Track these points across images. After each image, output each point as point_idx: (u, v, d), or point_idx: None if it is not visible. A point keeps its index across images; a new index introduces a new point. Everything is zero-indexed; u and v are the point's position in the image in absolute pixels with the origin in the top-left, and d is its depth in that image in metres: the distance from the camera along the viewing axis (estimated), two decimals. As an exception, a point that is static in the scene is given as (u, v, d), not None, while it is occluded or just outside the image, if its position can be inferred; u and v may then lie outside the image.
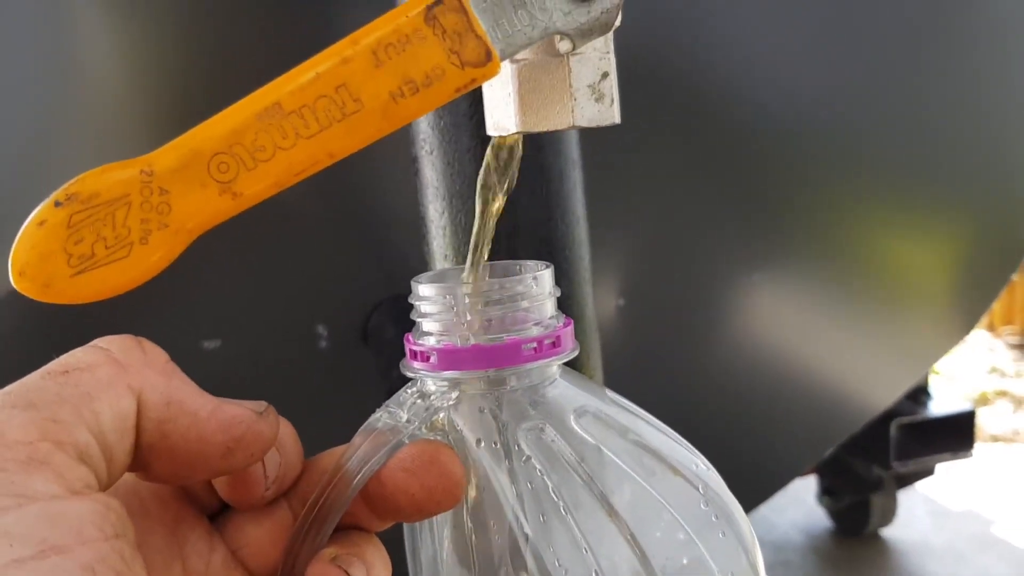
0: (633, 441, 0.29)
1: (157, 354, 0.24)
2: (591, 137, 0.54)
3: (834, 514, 2.11)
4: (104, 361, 0.23)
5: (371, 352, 0.81)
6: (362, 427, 0.27)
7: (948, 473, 2.26)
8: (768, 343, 1.03)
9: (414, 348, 0.29)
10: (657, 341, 0.95)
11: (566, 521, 0.27)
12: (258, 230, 0.75)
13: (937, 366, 3.24)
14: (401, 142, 0.51)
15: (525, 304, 0.29)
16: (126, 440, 0.22)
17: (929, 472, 1.88)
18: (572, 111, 0.30)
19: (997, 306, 3.57)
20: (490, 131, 0.32)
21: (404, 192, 0.54)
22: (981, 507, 2.19)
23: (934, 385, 1.84)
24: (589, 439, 0.29)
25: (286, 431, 0.26)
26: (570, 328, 0.30)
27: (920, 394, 1.75)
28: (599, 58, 0.30)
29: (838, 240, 1.02)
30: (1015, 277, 3.30)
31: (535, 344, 0.28)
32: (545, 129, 0.30)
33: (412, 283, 0.30)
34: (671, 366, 0.95)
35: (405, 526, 0.31)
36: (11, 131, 0.67)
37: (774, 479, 1.19)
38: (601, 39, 0.30)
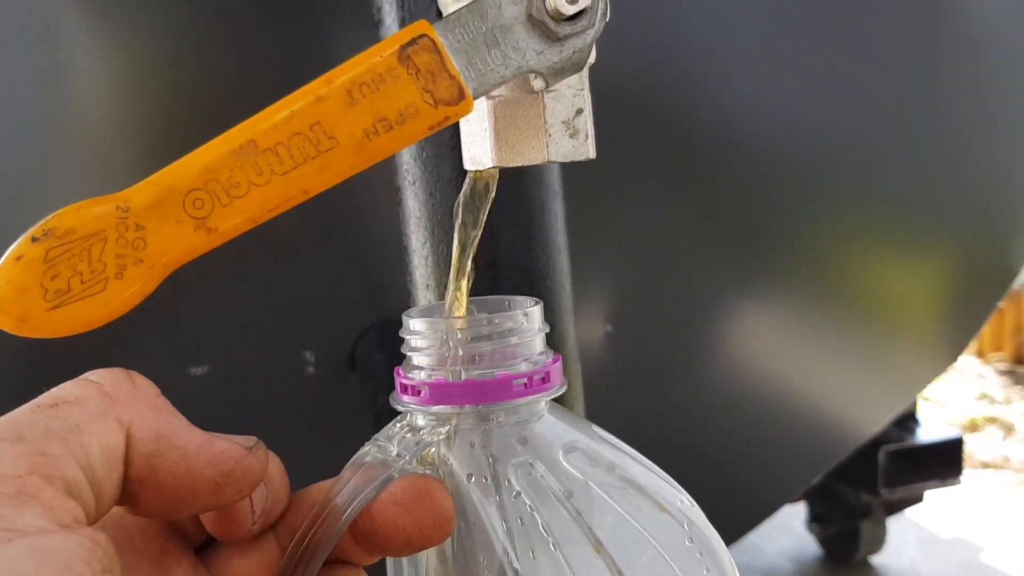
0: (620, 477, 0.30)
1: (147, 388, 0.24)
2: (575, 164, 0.54)
3: (823, 541, 2.10)
4: (94, 395, 0.23)
5: (358, 378, 0.81)
6: (351, 461, 0.28)
7: (937, 500, 2.26)
8: (755, 370, 1.03)
9: (404, 382, 0.29)
10: (645, 367, 0.95)
11: (555, 557, 0.28)
12: (245, 256, 0.76)
13: (926, 392, 3.25)
14: (386, 171, 0.51)
15: (515, 340, 0.29)
16: (115, 474, 0.23)
17: (918, 499, 1.88)
18: (547, 147, 0.30)
19: (986, 332, 3.59)
20: (467, 165, 0.32)
21: (390, 219, 0.55)
22: (970, 534, 2.18)
23: (922, 412, 1.85)
24: (577, 475, 0.29)
25: (274, 464, 0.26)
26: (559, 364, 0.30)
27: (908, 421, 1.76)
28: (574, 95, 0.31)
29: (825, 267, 1.02)
30: (1002, 304, 3.32)
31: (525, 380, 0.29)
32: (520, 164, 0.31)
33: (403, 317, 0.30)
34: (658, 392, 0.95)
35: (388, 565, 0.31)
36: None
37: (762, 506, 1.19)
38: (576, 76, 0.31)
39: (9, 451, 0.21)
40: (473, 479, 0.29)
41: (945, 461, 1.72)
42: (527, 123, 0.31)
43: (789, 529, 2.15)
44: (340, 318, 0.81)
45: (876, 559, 2.08)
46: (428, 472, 0.28)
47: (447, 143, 0.46)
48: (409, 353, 0.30)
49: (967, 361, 3.67)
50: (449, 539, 0.28)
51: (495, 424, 0.29)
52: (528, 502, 0.28)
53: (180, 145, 0.73)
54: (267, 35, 0.68)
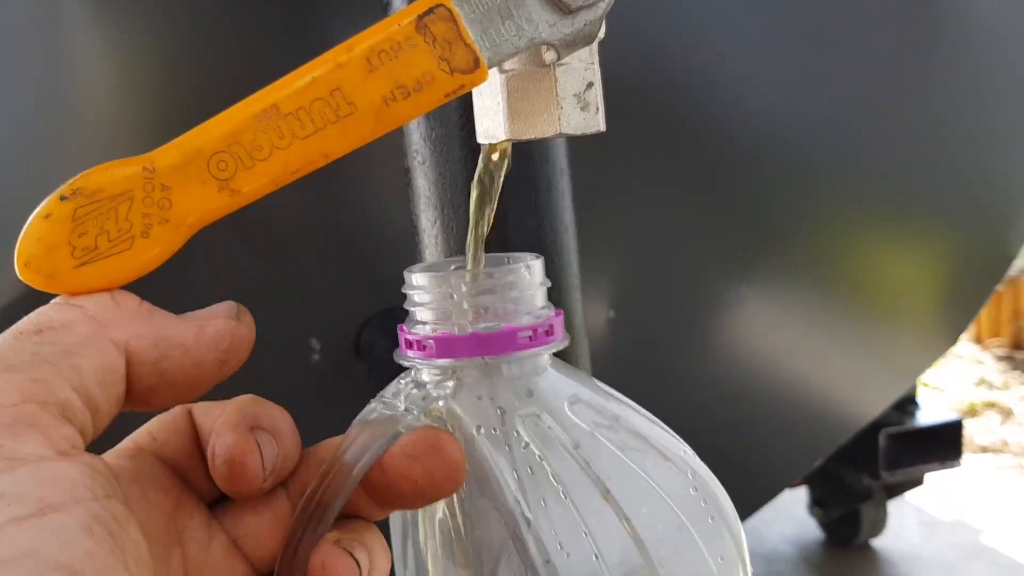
0: (624, 428, 0.30)
1: (129, 301, 0.25)
2: (581, 151, 0.55)
3: (825, 525, 2.11)
4: (80, 319, 0.23)
5: (363, 365, 0.82)
6: (357, 418, 0.28)
7: (937, 484, 2.27)
8: (757, 355, 1.04)
9: (409, 337, 0.30)
10: (647, 353, 0.96)
11: (565, 505, 0.28)
12: (252, 244, 0.76)
13: (926, 378, 3.26)
14: (394, 154, 0.52)
15: (519, 293, 0.29)
16: (111, 392, 0.23)
17: (918, 482, 1.89)
18: (559, 119, 0.31)
19: (984, 318, 3.59)
20: (480, 139, 0.33)
21: (397, 207, 0.55)
22: (970, 517, 2.19)
23: (922, 396, 1.85)
24: (583, 426, 0.30)
25: (284, 422, 0.26)
26: (561, 318, 0.31)
27: (908, 404, 1.77)
28: (584, 68, 0.31)
29: (825, 253, 1.03)
30: (1001, 288, 3.33)
31: (530, 332, 0.29)
32: (532, 136, 0.31)
33: (405, 273, 0.30)
34: (660, 377, 0.96)
35: (393, 526, 0.31)
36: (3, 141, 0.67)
37: (764, 491, 1.20)
38: (586, 50, 0.31)
39: (0, 380, 0.21)
40: (483, 430, 0.29)
41: (945, 444, 1.73)
42: (539, 96, 0.31)
43: (791, 514, 2.16)
44: (346, 306, 0.81)
45: (877, 542, 2.09)
46: (436, 426, 0.28)
47: (456, 123, 0.46)
48: (413, 309, 0.30)
49: (965, 347, 3.67)
50: (459, 492, 0.29)
51: (501, 377, 0.29)
52: (537, 452, 0.29)
53: (183, 131, 0.73)
54: (273, 25, 0.68)
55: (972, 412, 3.02)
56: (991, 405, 3.10)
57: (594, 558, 0.28)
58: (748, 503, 1.16)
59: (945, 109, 1.01)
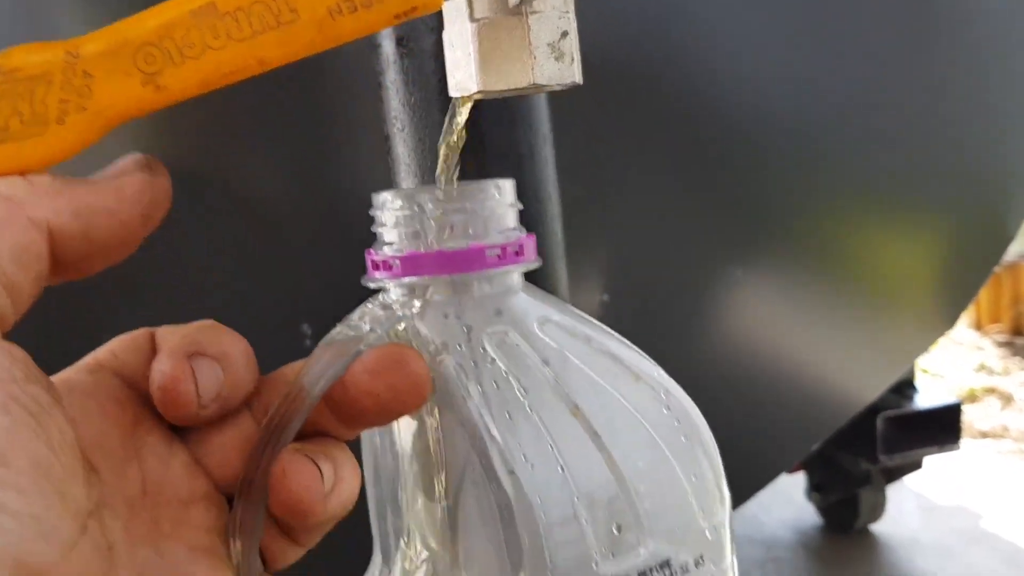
0: (596, 348, 0.30)
1: (42, 178, 0.24)
2: (572, 130, 0.54)
3: (823, 510, 2.11)
4: None
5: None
6: (322, 341, 0.27)
7: (937, 469, 2.27)
8: (751, 339, 1.03)
9: (375, 259, 0.29)
10: (641, 336, 0.95)
11: (531, 418, 0.28)
12: (241, 227, 0.75)
13: (925, 364, 3.26)
14: (378, 134, 0.51)
15: (488, 212, 0.29)
16: (31, 270, 0.23)
17: (916, 466, 1.89)
18: (532, 69, 0.30)
19: (984, 303, 3.60)
20: (452, 92, 0.32)
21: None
22: (970, 502, 2.19)
23: (921, 380, 1.85)
24: (553, 344, 0.29)
25: (235, 348, 0.26)
26: (533, 241, 0.30)
27: (906, 388, 1.76)
28: (558, 16, 0.31)
29: (820, 234, 1.02)
30: (1000, 271, 3.32)
31: (499, 250, 0.29)
32: (505, 87, 0.30)
33: (372, 196, 0.30)
34: (656, 361, 0.95)
35: (364, 447, 0.31)
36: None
37: (761, 475, 1.19)
38: (561, -1, 0.30)
39: None
40: (448, 347, 0.28)
41: (943, 427, 1.73)
42: (512, 46, 0.30)
43: (789, 499, 2.16)
44: (337, 290, 0.80)
45: (876, 527, 2.09)
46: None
47: (435, 87, 0.46)
48: (380, 230, 0.30)
49: (965, 333, 3.68)
50: (425, 412, 0.29)
51: (470, 296, 0.29)
52: (503, 367, 0.28)
53: (171, 131, 0.72)
54: None
55: (972, 398, 3.03)
56: (991, 391, 3.11)
57: (560, 470, 0.27)
58: (745, 488, 1.15)
59: (942, 91, 1.00)
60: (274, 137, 0.69)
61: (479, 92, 0.31)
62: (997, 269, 3.42)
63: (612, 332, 0.31)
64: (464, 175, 0.32)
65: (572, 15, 0.31)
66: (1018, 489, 2.30)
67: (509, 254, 0.29)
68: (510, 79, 0.30)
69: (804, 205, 0.99)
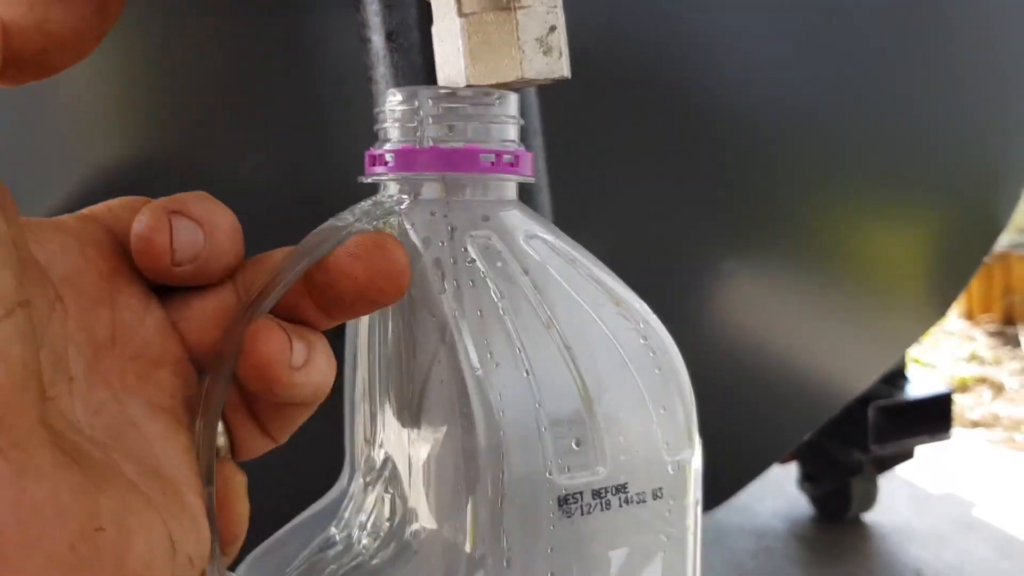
0: (580, 270, 0.30)
1: None
2: (562, 123, 0.54)
3: (815, 500, 2.12)
4: None
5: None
6: (312, 232, 0.28)
7: (929, 458, 2.28)
8: (744, 331, 1.03)
9: (372, 153, 0.30)
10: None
11: (503, 321, 0.28)
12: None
13: (917, 355, 3.27)
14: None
15: (487, 118, 0.29)
16: None
17: (908, 456, 1.90)
18: (520, 63, 0.30)
19: (975, 294, 3.61)
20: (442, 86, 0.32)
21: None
22: (962, 491, 2.21)
23: (912, 370, 1.86)
24: (536, 257, 0.29)
25: (222, 218, 0.26)
26: (531, 157, 0.30)
27: (898, 378, 1.77)
28: (546, 11, 0.31)
29: (812, 226, 1.02)
30: (990, 261, 3.32)
31: (493, 156, 0.29)
32: (494, 81, 0.31)
33: (382, 96, 0.30)
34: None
35: (347, 351, 0.31)
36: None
37: (753, 466, 1.20)
38: (549, -8, 0.30)
39: None
40: (430, 242, 0.29)
41: (935, 416, 1.74)
42: (500, 40, 0.30)
43: (781, 490, 2.17)
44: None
45: (869, 517, 2.10)
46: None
47: (424, 81, 0.46)
48: (381, 127, 0.30)
49: (957, 323, 3.69)
50: (401, 306, 0.29)
51: (460, 199, 0.29)
52: (482, 269, 0.29)
53: (162, 126, 0.72)
54: (249, 15, 0.67)
55: (963, 387, 3.04)
56: (982, 380, 3.12)
57: (525, 374, 0.27)
58: (737, 478, 1.16)
59: (934, 85, 1.01)
60: (265, 132, 0.69)
61: (468, 86, 0.31)
62: (988, 259, 3.44)
63: (603, 265, 0.31)
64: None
65: (560, 10, 0.31)
66: (1009, 477, 2.31)
67: (502, 163, 0.29)
68: (499, 73, 0.31)
69: (796, 197, 0.99)
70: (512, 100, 0.30)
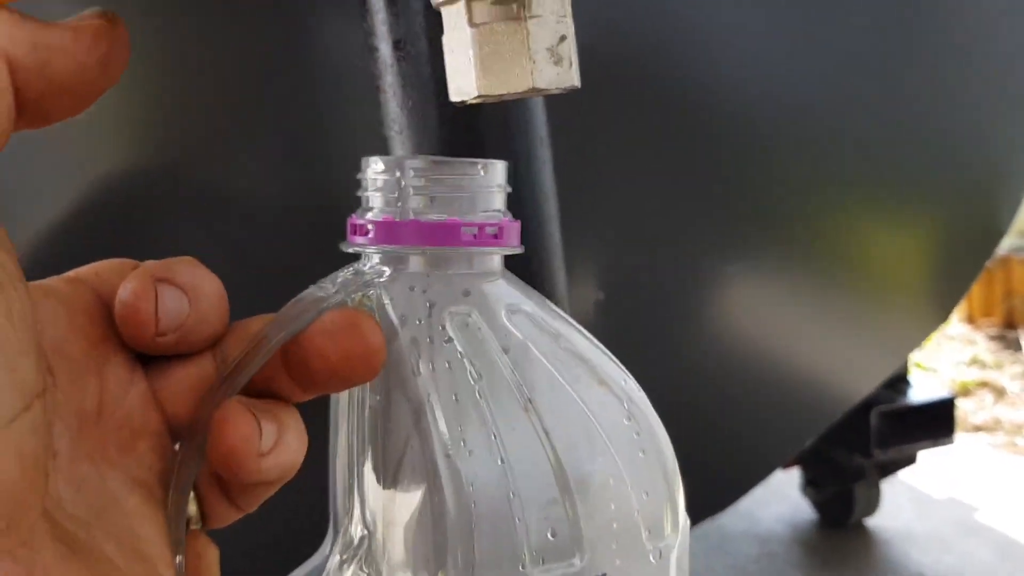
0: (563, 346, 0.29)
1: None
2: (565, 133, 0.54)
3: (818, 505, 2.12)
4: None
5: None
6: (292, 300, 0.27)
7: (931, 463, 2.28)
8: (745, 336, 1.03)
9: (354, 222, 0.29)
10: (636, 334, 0.95)
11: (479, 405, 0.27)
12: (240, 230, 0.76)
13: (919, 359, 3.27)
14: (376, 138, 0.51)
15: (471, 190, 0.29)
16: (2, 103, 0.22)
17: (911, 460, 1.90)
18: (531, 73, 0.30)
19: (976, 298, 3.61)
20: (453, 96, 0.32)
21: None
22: (965, 495, 2.21)
23: (914, 375, 1.86)
24: (517, 334, 0.29)
25: (208, 285, 0.26)
26: (517, 226, 0.30)
27: (900, 383, 1.77)
28: (556, 21, 0.31)
29: (814, 230, 1.03)
30: (991, 265, 3.32)
31: (476, 229, 0.28)
32: (505, 91, 0.31)
33: (362, 160, 0.30)
34: (651, 357, 0.96)
35: (331, 418, 0.31)
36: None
37: (756, 471, 1.20)
38: (558, 2, 0.31)
39: None
40: (407, 320, 0.28)
41: (937, 421, 1.74)
42: (511, 51, 0.30)
43: (785, 496, 2.17)
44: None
45: (871, 522, 2.10)
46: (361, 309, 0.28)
47: (432, 90, 0.46)
48: (363, 195, 0.29)
49: (958, 327, 3.69)
50: (376, 385, 0.28)
51: (442, 273, 0.29)
52: (460, 349, 0.28)
53: (169, 134, 0.72)
54: (249, 14, 0.68)
55: (965, 391, 3.04)
56: (984, 384, 3.12)
57: (499, 462, 0.27)
58: (739, 484, 1.16)
59: (933, 84, 1.01)
60: (273, 140, 0.69)
61: (479, 96, 0.31)
62: (989, 264, 3.43)
63: (589, 336, 0.30)
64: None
65: (570, 19, 0.31)
66: (1011, 481, 2.31)
67: (486, 235, 0.28)
68: (510, 84, 0.31)
69: (797, 203, 0.99)
70: (500, 168, 0.30)
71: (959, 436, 2.53)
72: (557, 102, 0.52)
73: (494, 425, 0.27)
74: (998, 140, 1.10)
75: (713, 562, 1.87)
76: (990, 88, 1.05)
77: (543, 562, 0.26)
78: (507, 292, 0.29)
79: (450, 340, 0.28)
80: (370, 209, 0.29)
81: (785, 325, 1.07)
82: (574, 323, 0.30)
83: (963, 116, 1.05)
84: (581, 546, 0.27)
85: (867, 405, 1.64)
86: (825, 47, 0.93)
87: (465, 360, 0.28)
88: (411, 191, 0.28)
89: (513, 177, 0.44)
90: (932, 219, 1.12)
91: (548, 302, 0.30)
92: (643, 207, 0.90)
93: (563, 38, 0.31)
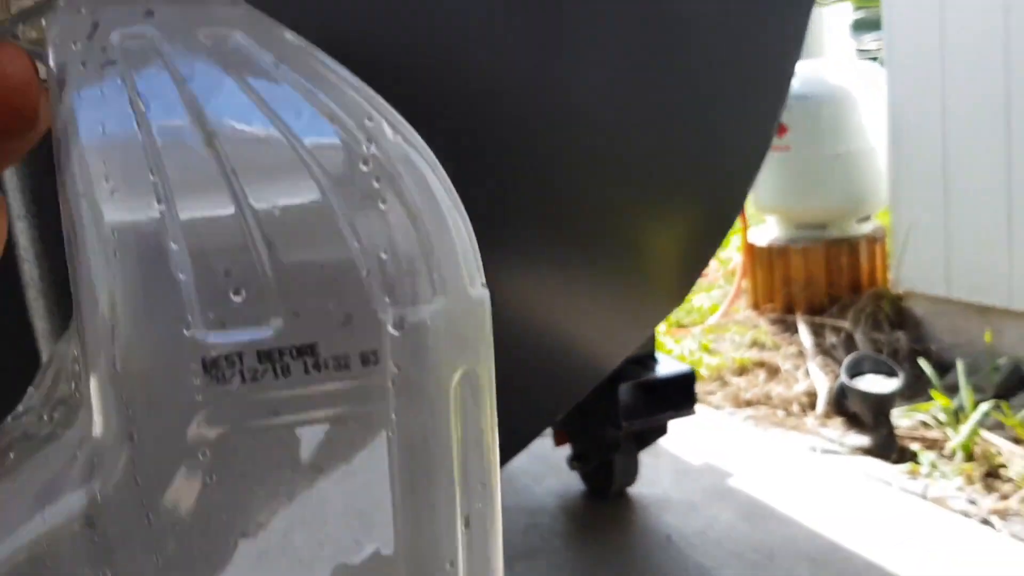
0: (283, 75, 0.23)
1: None
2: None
3: (584, 477, 2.25)
4: None
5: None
6: None
7: (694, 435, 2.46)
8: (497, 315, 1.08)
9: None
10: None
11: (134, 136, 0.22)
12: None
13: (703, 340, 3.49)
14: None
15: None
16: None
17: (662, 432, 2.04)
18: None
19: (760, 285, 3.87)
20: None
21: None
22: (720, 463, 2.39)
23: (660, 354, 2.00)
24: (212, 61, 0.23)
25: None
26: None
27: (649, 360, 1.90)
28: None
29: (561, 208, 1.08)
30: (772, 255, 3.56)
31: None
32: None
33: None
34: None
35: None
36: None
37: (507, 446, 1.26)
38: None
39: None
40: (62, 47, 0.23)
41: (679, 393, 1.88)
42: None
43: (560, 470, 2.29)
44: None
45: (633, 489, 2.25)
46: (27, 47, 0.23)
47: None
48: None
49: (744, 312, 3.94)
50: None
51: None
52: (121, 75, 0.22)
53: None
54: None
55: (743, 370, 3.27)
56: (761, 364, 3.36)
57: (156, 203, 0.21)
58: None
59: (673, 91, 1.09)
60: None
61: None
62: (770, 254, 3.69)
63: (343, 69, 0.24)
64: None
65: None
66: (766, 450, 2.52)
67: None
68: None
69: (553, 183, 1.04)
70: None
71: (730, 410, 2.73)
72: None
73: (154, 160, 0.21)
74: (731, 143, 1.20)
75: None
76: (716, 94, 1.15)
77: (223, 325, 0.21)
78: (219, 15, 0.24)
79: (111, 63, 0.22)
80: None
81: (542, 305, 1.13)
82: (319, 52, 0.24)
83: (702, 119, 1.14)
84: (277, 309, 0.21)
85: (616, 380, 1.76)
86: (583, 59, 0.98)
87: (125, 88, 0.22)
88: None
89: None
90: (673, 208, 1.22)
91: (288, 33, 0.25)
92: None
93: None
